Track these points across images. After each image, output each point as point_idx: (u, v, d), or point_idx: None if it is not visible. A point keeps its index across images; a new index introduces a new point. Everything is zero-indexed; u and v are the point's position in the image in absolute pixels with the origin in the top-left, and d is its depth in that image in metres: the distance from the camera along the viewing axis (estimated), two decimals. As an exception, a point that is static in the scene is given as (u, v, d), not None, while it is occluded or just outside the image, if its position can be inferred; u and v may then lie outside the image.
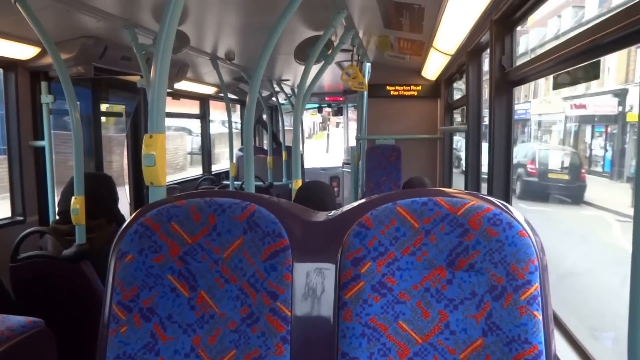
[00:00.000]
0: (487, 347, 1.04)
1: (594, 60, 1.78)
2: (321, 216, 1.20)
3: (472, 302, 1.06)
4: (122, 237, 1.16)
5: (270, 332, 1.10)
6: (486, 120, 3.09)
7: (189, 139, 12.44)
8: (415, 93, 5.81)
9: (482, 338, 1.05)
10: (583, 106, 11.51)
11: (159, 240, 1.15)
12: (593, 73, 2.06)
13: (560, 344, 1.98)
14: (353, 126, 9.08)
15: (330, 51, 3.37)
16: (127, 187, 4.86)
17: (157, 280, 1.14)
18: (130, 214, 1.23)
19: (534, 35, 14.22)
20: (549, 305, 1.06)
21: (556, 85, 2.26)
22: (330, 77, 6.52)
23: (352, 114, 9.30)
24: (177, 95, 5.77)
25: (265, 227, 1.14)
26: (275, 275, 1.12)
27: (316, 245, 1.15)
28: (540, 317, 1.03)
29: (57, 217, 2.80)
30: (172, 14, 1.40)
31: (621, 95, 9.92)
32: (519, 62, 2.55)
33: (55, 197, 3.49)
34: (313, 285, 1.13)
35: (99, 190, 2.74)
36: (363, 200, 1.18)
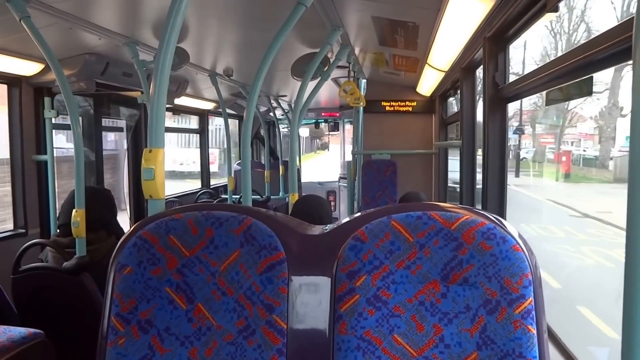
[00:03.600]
0: None
1: (586, 76, 1.81)
2: (317, 230, 1.22)
3: (467, 316, 1.07)
4: (121, 249, 1.18)
5: (267, 345, 1.11)
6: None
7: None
8: (410, 109, 5.86)
9: (476, 352, 1.06)
10: None
11: (157, 253, 1.16)
12: (586, 89, 2.08)
13: (554, 358, 1.98)
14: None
15: (326, 68, 3.43)
16: (127, 199, 4.88)
17: (155, 292, 1.15)
18: (130, 227, 1.25)
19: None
20: (543, 319, 1.07)
21: (548, 102, 2.29)
22: (326, 93, 6.58)
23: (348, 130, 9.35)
24: (177, 110, 5.82)
25: (262, 240, 1.16)
26: (271, 288, 1.13)
27: (312, 258, 1.17)
28: (535, 332, 1.04)
29: (58, 231, 2.82)
30: (172, 31, 1.43)
31: None
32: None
33: (56, 210, 3.53)
34: (309, 298, 1.15)
35: (98, 203, 2.76)
36: (358, 214, 1.20)
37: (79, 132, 2.73)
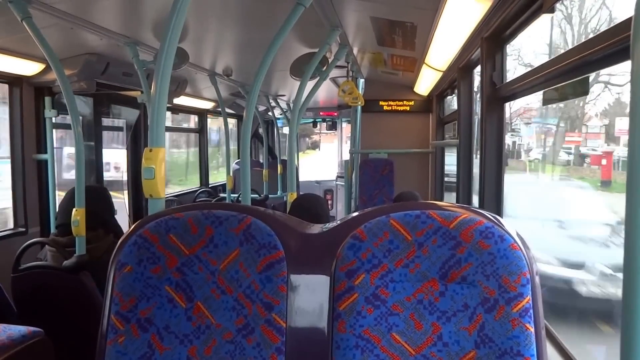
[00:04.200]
0: (479, 359, 1.06)
1: (582, 77, 1.83)
2: (316, 228, 1.22)
3: (465, 314, 1.08)
4: (121, 248, 1.18)
5: (265, 343, 1.12)
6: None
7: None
8: (408, 108, 5.88)
9: (474, 350, 1.06)
10: None
11: (157, 252, 1.17)
12: (582, 89, 2.09)
13: (552, 357, 1.98)
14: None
15: (325, 67, 3.44)
16: (126, 199, 4.89)
17: (155, 291, 1.16)
18: (130, 226, 1.26)
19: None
20: (540, 317, 1.07)
21: (545, 101, 2.31)
22: (325, 92, 6.58)
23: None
24: (177, 110, 5.83)
25: (261, 239, 1.16)
26: (270, 287, 1.14)
27: (311, 257, 1.17)
28: (533, 330, 1.05)
29: (56, 230, 2.83)
30: (173, 31, 1.44)
31: None
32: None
33: (56, 209, 3.54)
34: (308, 296, 1.15)
35: (96, 202, 2.78)
36: (357, 213, 1.21)
37: (79, 131, 2.74)
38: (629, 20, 1.23)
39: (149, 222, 1.19)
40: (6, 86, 3.47)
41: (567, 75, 1.84)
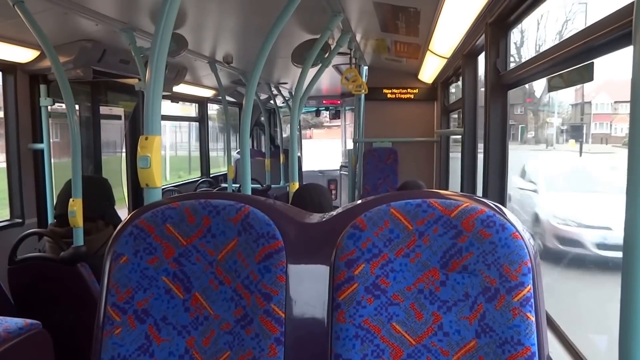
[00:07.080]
0: (480, 348, 1.05)
1: (587, 62, 1.80)
2: (315, 218, 1.20)
3: (466, 304, 1.06)
4: (117, 238, 1.16)
5: (264, 334, 1.10)
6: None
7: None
8: (412, 96, 5.84)
9: (475, 340, 1.05)
10: None
11: (154, 242, 1.15)
12: (587, 75, 2.07)
13: (553, 346, 1.99)
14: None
15: (327, 54, 3.40)
16: (124, 188, 4.88)
17: (152, 281, 1.14)
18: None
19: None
20: (541, 306, 1.06)
21: (550, 88, 2.27)
22: (327, 80, 6.55)
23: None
24: (176, 98, 5.80)
25: (260, 228, 1.14)
26: (269, 277, 1.12)
27: (310, 246, 1.15)
28: (533, 319, 1.03)
29: (55, 220, 2.82)
30: (168, 17, 1.42)
31: None
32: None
33: (54, 200, 3.52)
34: (307, 286, 1.14)
35: (96, 192, 2.76)
36: (357, 202, 1.18)
37: (75, 120, 2.72)
38: (631, 5, 1.20)
39: (145, 212, 1.17)
40: (-1, 73, 3.42)
41: (572, 61, 1.82)
